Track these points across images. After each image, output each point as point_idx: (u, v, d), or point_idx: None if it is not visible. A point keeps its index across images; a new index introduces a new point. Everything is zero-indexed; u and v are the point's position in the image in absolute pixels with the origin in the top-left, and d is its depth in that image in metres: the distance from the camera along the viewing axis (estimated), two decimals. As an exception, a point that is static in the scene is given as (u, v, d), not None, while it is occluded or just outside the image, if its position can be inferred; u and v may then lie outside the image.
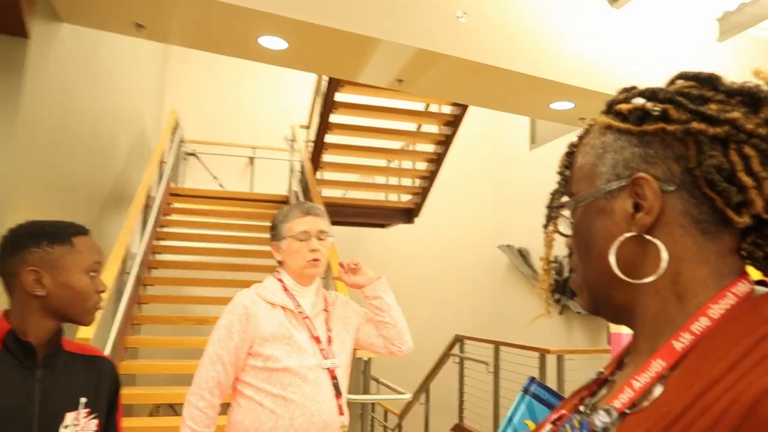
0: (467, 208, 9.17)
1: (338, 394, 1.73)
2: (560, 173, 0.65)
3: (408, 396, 4.60)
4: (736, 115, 0.53)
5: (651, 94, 0.58)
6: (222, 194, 6.77)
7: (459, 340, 6.55)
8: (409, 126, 6.30)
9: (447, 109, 5.92)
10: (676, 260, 0.55)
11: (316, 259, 1.77)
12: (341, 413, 1.72)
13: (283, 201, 6.98)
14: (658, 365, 0.53)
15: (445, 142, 6.06)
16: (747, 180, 0.52)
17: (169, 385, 4.28)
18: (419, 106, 6.11)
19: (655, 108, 0.56)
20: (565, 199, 0.64)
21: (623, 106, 0.59)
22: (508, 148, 9.24)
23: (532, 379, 0.78)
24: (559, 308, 7.73)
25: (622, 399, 0.54)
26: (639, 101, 0.58)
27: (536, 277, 8.29)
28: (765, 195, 0.52)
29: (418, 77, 4.03)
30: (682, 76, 0.59)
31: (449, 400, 6.72)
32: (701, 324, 0.52)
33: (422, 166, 6.52)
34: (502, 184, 9.33)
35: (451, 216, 8.96)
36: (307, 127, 6.83)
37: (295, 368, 1.66)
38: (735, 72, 4.52)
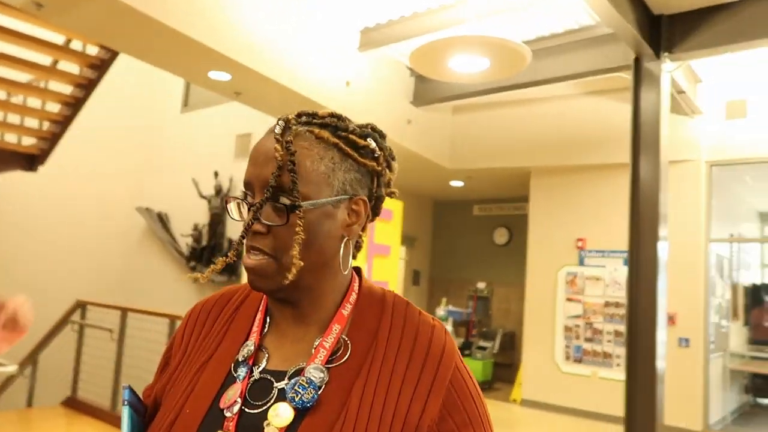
0: (105, 162, 8.38)
1: None
2: (282, 166, 0.70)
3: (13, 368, 4.02)
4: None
5: (376, 141, 0.79)
6: None
7: (81, 305, 6.00)
8: (43, 59, 5.42)
9: (93, 50, 5.31)
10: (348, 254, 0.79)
11: None
12: None
13: None
14: (337, 328, 0.75)
15: (87, 86, 5.43)
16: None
17: None
18: (59, 39, 5.32)
19: (376, 154, 0.78)
20: (298, 196, 0.72)
21: (357, 140, 0.76)
22: (160, 107, 8.81)
23: (126, 387, 0.78)
24: (197, 274, 7.78)
25: (320, 357, 0.73)
26: (372, 144, 0.78)
27: (174, 243, 8.17)
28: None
29: (64, 8, 3.53)
30: (373, 128, 0.81)
31: (62, 372, 6.10)
32: (353, 297, 0.79)
33: (54, 108, 5.70)
34: (149, 144, 8.84)
35: (85, 169, 8.05)
36: None
37: None
38: (369, 80, 5.32)
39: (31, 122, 5.97)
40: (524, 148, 6.83)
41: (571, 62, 5.25)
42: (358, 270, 0.84)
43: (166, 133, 8.67)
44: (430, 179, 7.89)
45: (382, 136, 0.81)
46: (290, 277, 0.70)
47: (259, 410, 0.71)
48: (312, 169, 0.72)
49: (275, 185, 0.70)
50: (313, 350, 0.74)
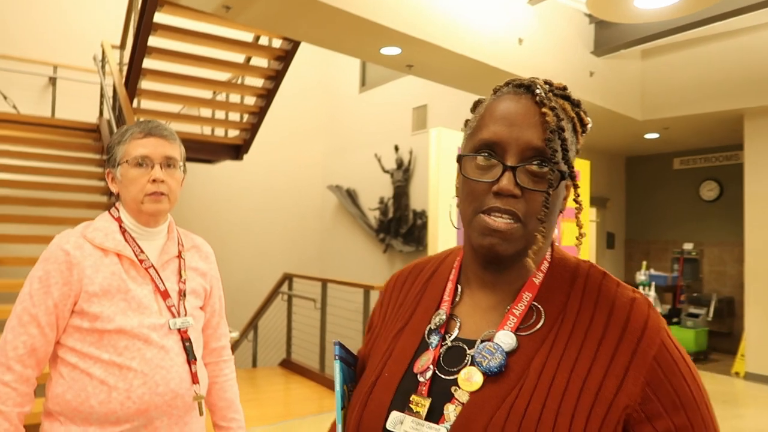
0: (297, 146, 9.11)
1: (192, 358, 1.42)
2: (554, 132, 0.71)
3: (235, 334, 4.59)
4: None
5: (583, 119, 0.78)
6: (16, 117, 5.90)
7: (287, 278, 6.63)
8: (238, 58, 6.00)
9: (277, 43, 5.73)
10: None
11: (158, 192, 1.40)
12: (195, 381, 1.41)
13: (93, 129, 6.30)
14: (527, 296, 0.75)
15: (275, 77, 5.89)
16: None
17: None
18: (248, 37, 5.83)
19: (587, 131, 0.79)
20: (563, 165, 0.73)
21: (585, 117, 0.77)
22: (340, 89, 9.28)
23: (336, 343, 0.83)
24: (383, 247, 8.15)
25: (510, 324, 0.73)
26: (590, 123, 0.79)
27: (364, 217, 8.62)
28: None
29: (247, 6, 3.83)
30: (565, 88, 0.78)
31: (277, 337, 6.85)
32: (545, 266, 0.77)
33: (251, 100, 6.29)
34: (333, 124, 9.39)
35: (280, 154, 8.84)
36: (122, 48, 6.17)
37: (133, 329, 1.34)
38: (542, 34, 4.99)
39: (234, 116, 6.67)
40: (733, 88, 5.87)
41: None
42: None
43: (349, 114, 9.11)
44: (620, 134, 7.21)
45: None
46: (540, 245, 0.71)
47: (451, 376, 0.73)
48: (571, 140, 0.74)
49: (544, 149, 0.70)
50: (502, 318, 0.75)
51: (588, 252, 5.14)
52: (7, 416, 1.29)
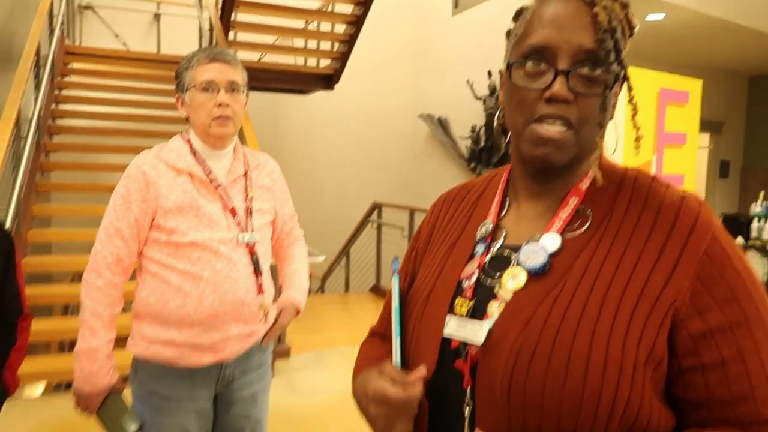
0: (387, 75, 9.00)
1: (258, 271, 1.54)
2: (607, 32, 0.69)
3: (322, 258, 4.80)
4: None
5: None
6: (126, 54, 6.26)
7: (377, 206, 6.77)
8: (328, -16, 5.93)
9: (366, -33, 5.59)
10: None
11: (224, 116, 1.50)
12: (260, 292, 1.54)
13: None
14: (573, 200, 0.74)
15: (365, 3, 5.78)
16: None
17: (85, 254, 4.24)
18: (338, -38, 5.73)
19: (633, 35, 0.74)
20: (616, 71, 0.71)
21: (633, 20, 0.73)
22: (430, 13, 8.96)
23: (396, 259, 0.86)
24: (474, 176, 8.04)
25: (556, 226, 0.73)
26: (637, 26, 0.74)
27: (455, 146, 8.50)
28: None
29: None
30: None
31: (368, 264, 7.08)
32: (591, 172, 0.74)
33: (341, 28, 6.25)
34: (423, 51, 9.15)
35: (370, 83, 8.80)
36: (217, -18, 6.29)
37: (204, 242, 1.47)
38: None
39: (325, 45, 6.68)
40: None
41: None
42: None
43: (440, 39, 8.82)
44: (743, 49, 6.48)
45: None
46: (600, 152, 0.71)
47: (496, 279, 0.74)
48: (622, 45, 0.70)
49: (597, 52, 0.68)
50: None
51: (694, 181, 4.78)
52: (101, 315, 1.48)
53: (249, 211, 1.57)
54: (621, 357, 0.62)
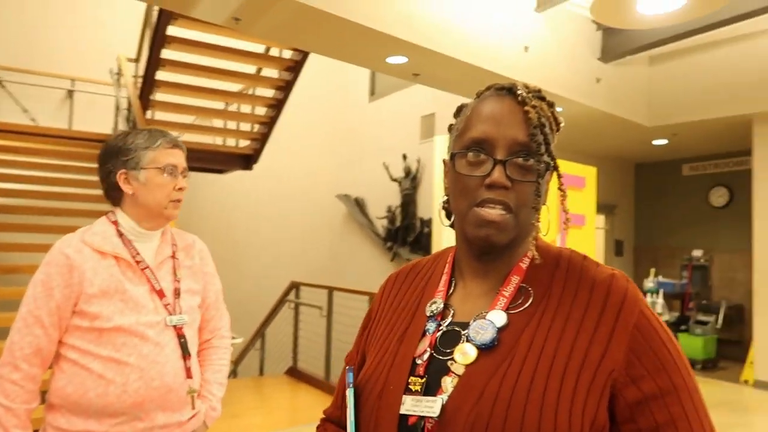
0: (307, 156, 9.20)
1: (186, 354, 1.50)
2: (537, 127, 0.78)
3: (240, 340, 4.66)
4: None
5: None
6: (35, 129, 6.04)
7: (295, 286, 6.70)
8: (249, 69, 6.12)
9: (287, 54, 5.84)
10: None
11: (180, 200, 1.55)
12: (189, 376, 1.50)
13: (108, 141, 6.44)
14: (515, 279, 0.81)
15: (285, 87, 5.99)
16: None
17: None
18: (259, 49, 5.94)
19: (560, 130, 0.84)
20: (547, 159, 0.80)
21: (558, 117, 0.84)
22: (349, 99, 9.39)
23: (350, 370, 0.88)
24: (391, 255, 8.20)
25: (501, 304, 0.79)
26: (563, 123, 0.85)
27: (371, 226, 8.68)
28: None
29: (257, 18, 3.93)
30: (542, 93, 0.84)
31: (284, 345, 6.90)
32: (531, 252, 0.81)
33: (261, 111, 6.40)
34: (342, 134, 9.49)
35: (290, 163, 8.94)
36: (136, 61, 6.31)
37: (130, 327, 1.42)
38: (549, 41, 5.04)
39: (245, 126, 6.78)
40: (741, 93, 5.89)
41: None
42: None
43: (357, 123, 9.21)
44: (628, 140, 7.24)
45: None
46: (541, 234, 0.79)
47: (448, 356, 0.78)
48: (550, 137, 0.80)
49: (529, 144, 0.77)
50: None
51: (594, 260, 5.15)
52: (16, 413, 1.37)
53: (177, 293, 1.55)
54: (568, 427, 0.67)
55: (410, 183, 7.84)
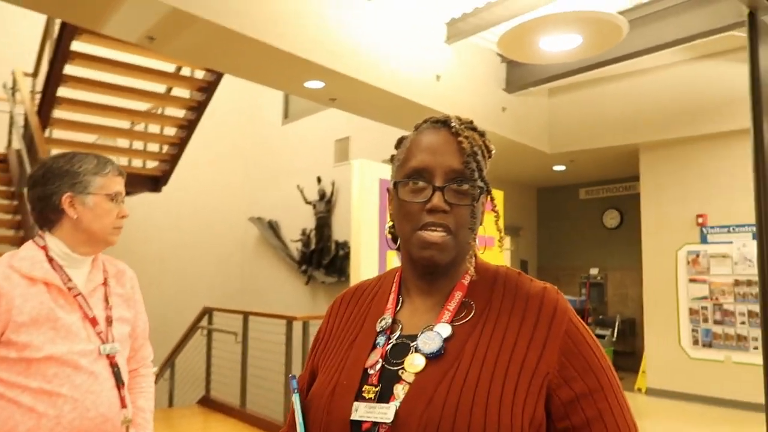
0: (218, 178, 8.99)
1: (120, 383, 1.48)
2: (470, 155, 0.86)
3: (156, 369, 4.43)
4: None
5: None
6: None
7: (207, 311, 6.48)
8: (158, 88, 5.93)
9: (200, 74, 5.73)
10: None
11: (121, 227, 1.56)
12: (124, 405, 1.47)
13: (1, 160, 5.98)
14: (458, 294, 0.88)
15: (197, 108, 5.87)
16: None
17: None
18: (170, 68, 5.79)
19: (492, 157, 0.93)
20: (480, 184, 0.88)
21: (490, 145, 0.92)
22: (263, 121, 9.31)
23: (293, 377, 0.92)
24: (306, 278, 8.14)
25: (446, 317, 0.86)
26: (494, 150, 0.93)
27: (286, 249, 8.58)
28: None
29: (172, 37, 3.85)
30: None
31: (196, 373, 6.63)
32: (471, 270, 0.88)
33: (171, 131, 6.21)
34: (255, 156, 9.37)
35: (201, 186, 8.70)
36: (34, 76, 5.94)
37: (62, 356, 1.36)
38: (459, 72, 5.29)
39: (153, 147, 6.54)
40: (630, 124, 6.47)
41: (675, 26, 4.90)
42: None
43: (271, 145, 9.13)
44: (531, 166, 7.69)
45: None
46: (478, 253, 0.88)
47: (398, 366, 0.84)
48: (483, 163, 0.88)
49: (464, 171, 0.85)
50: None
51: (504, 277, 5.40)
52: None
53: (110, 321, 1.51)
54: (510, 424, 0.75)
55: (325, 206, 7.86)
